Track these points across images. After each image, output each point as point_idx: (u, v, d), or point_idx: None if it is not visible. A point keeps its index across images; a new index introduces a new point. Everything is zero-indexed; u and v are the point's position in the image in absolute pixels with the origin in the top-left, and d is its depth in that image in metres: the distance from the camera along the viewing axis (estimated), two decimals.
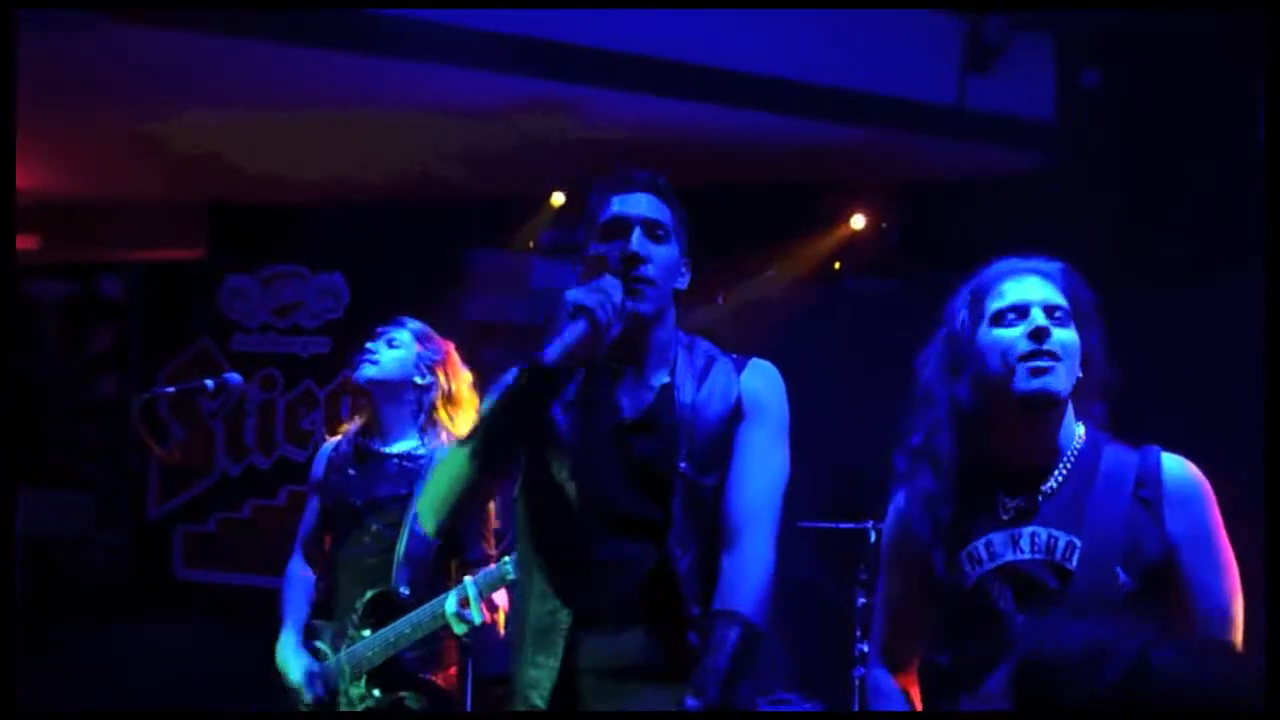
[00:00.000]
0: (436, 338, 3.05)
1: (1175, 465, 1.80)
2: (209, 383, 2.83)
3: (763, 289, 5.20)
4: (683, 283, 2.01)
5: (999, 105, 4.59)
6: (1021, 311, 1.78)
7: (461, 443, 1.92)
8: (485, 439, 1.88)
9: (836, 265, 5.34)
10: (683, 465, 1.90)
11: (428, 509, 1.96)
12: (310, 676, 2.88)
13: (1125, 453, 1.81)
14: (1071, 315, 1.80)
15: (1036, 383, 1.75)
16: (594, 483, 1.91)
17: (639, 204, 1.97)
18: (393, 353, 2.97)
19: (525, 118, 4.56)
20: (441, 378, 2.99)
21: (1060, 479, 1.80)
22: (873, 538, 4.31)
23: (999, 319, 1.79)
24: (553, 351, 1.82)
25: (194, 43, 4.02)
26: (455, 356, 3.05)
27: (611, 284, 1.88)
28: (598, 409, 1.94)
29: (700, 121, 4.56)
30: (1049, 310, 1.78)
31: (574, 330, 1.83)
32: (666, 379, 1.96)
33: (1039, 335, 1.75)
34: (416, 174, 5.30)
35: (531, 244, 5.36)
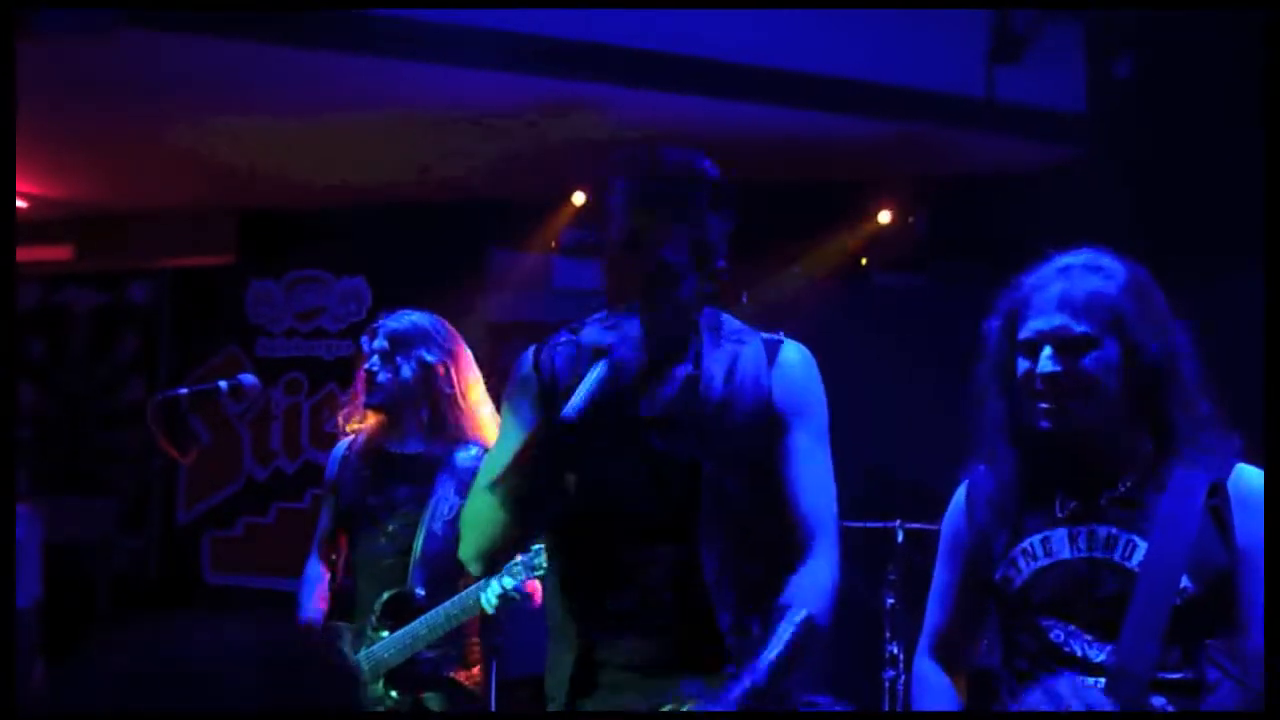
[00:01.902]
0: (444, 332, 2.97)
1: (1248, 474, 1.74)
2: (223, 384, 2.81)
3: (789, 285, 5.16)
4: (713, 256, 1.90)
5: (1028, 97, 4.52)
6: (1036, 347, 1.73)
7: (491, 491, 1.86)
8: (514, 496, 1.83)
9: (864, 261, 5.29)
10: (707, 466, 1.84)
11: (470, 558, 1.93)
12: None
13: (1202, 459, 1.74)
14: (1103, 333, 1.71)
15: (1045, 424, 1.72)
16: (614, 483, 1.86)
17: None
18: (394, 378, 2.91)
19: (548, 118, 4.55)
20: (453, 374, 2.95)
21: (1127, 484, 1.75)
22: (901, 537, 4.25)
23: (1024, 349, 1.75)
24: (575, 406, 1.75)
25: (217, 50, 4.03)
26: (464, 349, 2.99)
27: (629, 321, 1.82)
28: (616, 402, 1.85)
29: (724, 118, 4.52)
30: (1062, 344, 1.71)
31: (595, 377, 1.77)
32: (691, 369, 1.88)
33: (1044, 380, 1.71)
34: (438, 176, 5.29)
35: (553, 244, 5.34)
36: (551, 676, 1.90)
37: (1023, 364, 1.75)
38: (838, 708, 4.61)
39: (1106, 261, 1.77)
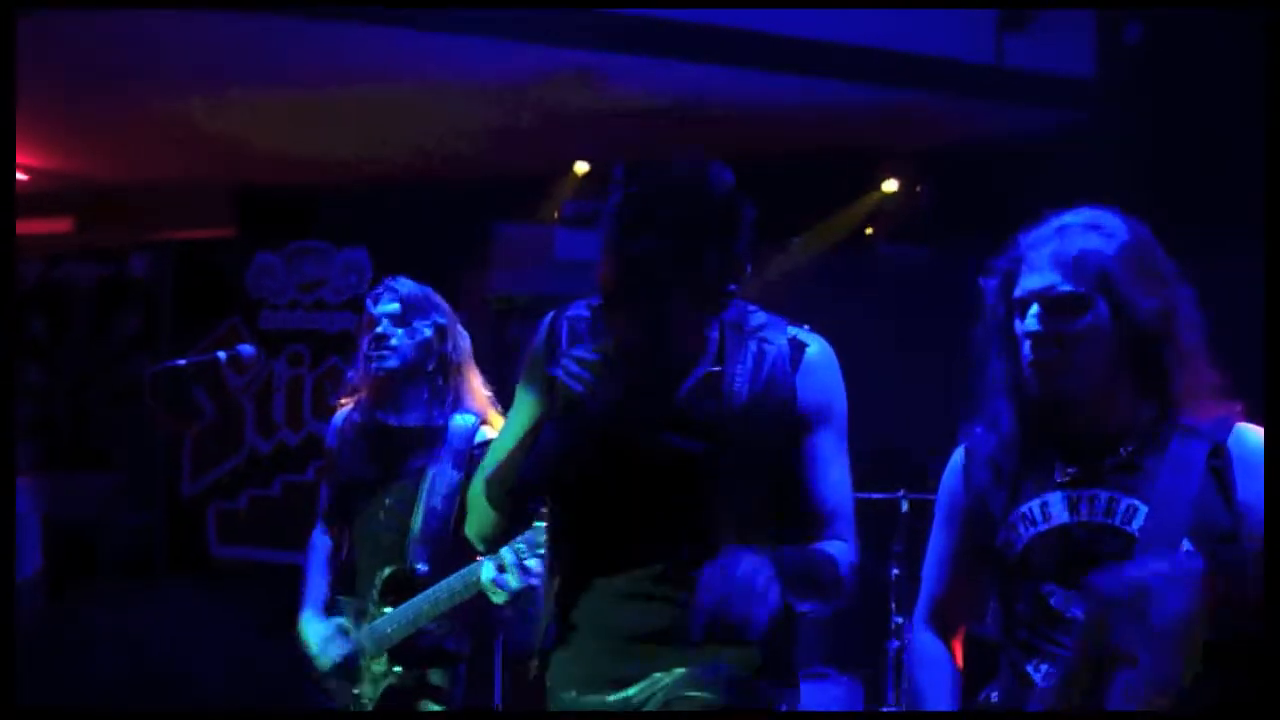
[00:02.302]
0: (434, 301, 2.92)
1: (1249, 434, 1.71)
2: (221, 354, 2.78)
3: (795, 256, 5.12)
4: (735, 244, 1.84)
5: (1037, 63, 4.47)
6: (1026, 306, 1.71)
7: (489, 480, 1.87)
8: (506, 489, 1.84)
9: (869, 231, 5.25)
10: (724, 465, 1.80)
11: (472, 537, 1.96)
12: (326, 642, 2.85)
13: (1202, 424, 1.71)
14: (1094, 292, 1.68)
15: (1032, 385, 1.71)
16: (624, 479, 1.82)
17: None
18: (410, 341, 2.87)
19: (549, 88, 4.50)
20: (448, 345, 2.91)
21: (1128, 450, 1.72)
22: (905, 507, 4.24)
23: (1018, 308, 1.73)
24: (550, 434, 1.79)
25: (218, 22, 4.00)
26: (454, 318, 2.94)
27: (594, 356, 1.77)
28: (631, 395, 1.81)
29: (728, 87, 4.48)
30: (1051, 303, 1.69)
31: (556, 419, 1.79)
32: (712, 367, 1.84)
33: (1031, 339, 1.70)
34: (440, 149, 5.25)
35: (556, 215, 5.30)
36: (552, 667, 1.89)
37: (1017, 324, 1.72)
38: (843, 679, 4.62)
39: (1107, 219, 1.73)
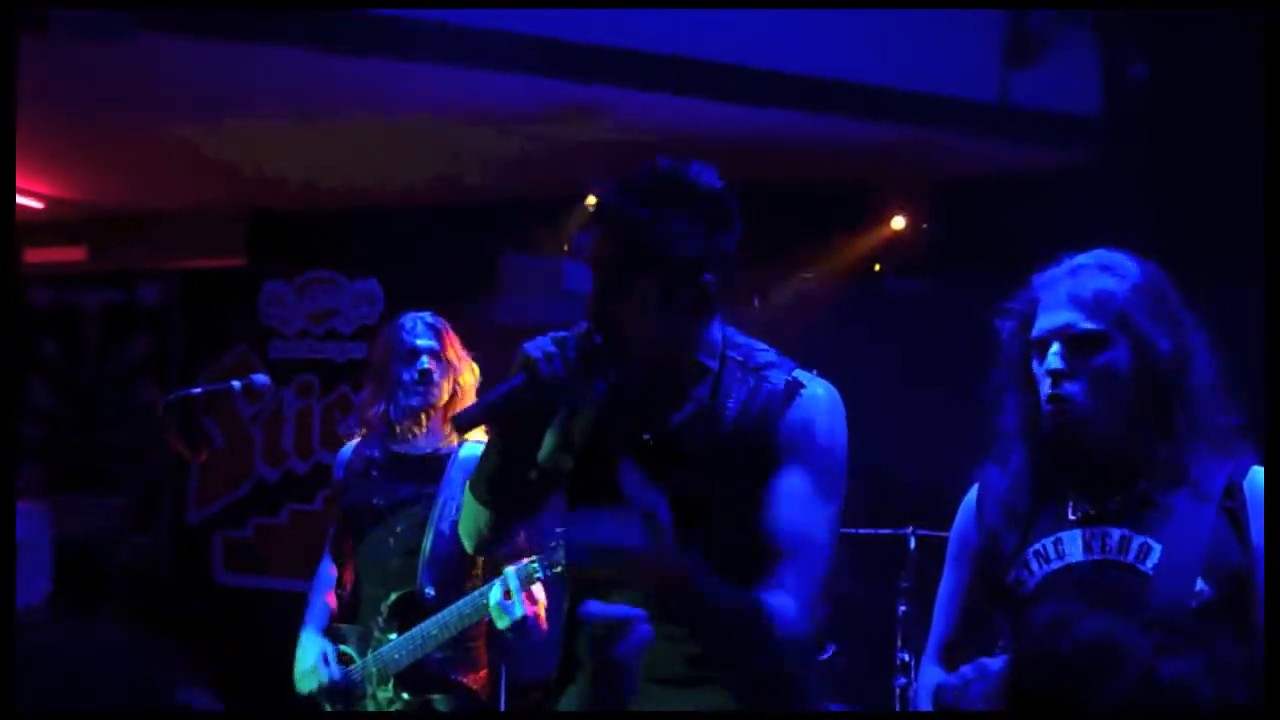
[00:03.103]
0: (441, 329, 2.98)
1: (1264, 475, 1.71)
2: (235, 384, 2.81)
3: (801, 290, 5.14)
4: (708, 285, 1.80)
5: (1042, 100, 4.50)
6: (1045, 345, 1.72)
7: (473, 487, 1.86)
8: (489, 494, 1.83)
9: (877, 266, 5.26)
10: (709, 502, 1.75)
11: (466, 538, 1.92)
12: (324, 659, 2.85)
13: (1217, 463, 1.71)
14: (1113, 330, 1.69)
15: (1053, 423, 1.71)
16: (602, 507, 1.77)
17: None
18: (448, 377, 2.92)
19: (560, 121, 4.54)
20: (451, 375, 2.95)
21: (1142, 488, 1.72)
22: (913, 544, 4.23)
23: (1036, 348, 1.74)
24: (472, 409, 1.80)
25: (231, 52, 4.04)
26: (458, 343, 2.99)
27: (572, 339, 1.72)
28: (623, 423, 1.79)
29: (735, 122, 4.51)
30: (1071, 341, 1.69)
31: (508, 385, 1.72)
32: (705, 398, 1.78)
33: (1052, 378, 1.70)
34: (451, 179, 5.29)
35: (565, 247, 5.33)
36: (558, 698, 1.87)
37: (1035, 364, 1.73)
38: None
39: (1119, 260, 1.75)
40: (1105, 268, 1.73)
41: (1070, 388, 1.69)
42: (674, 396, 1.80)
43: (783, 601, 1.67)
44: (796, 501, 1.72)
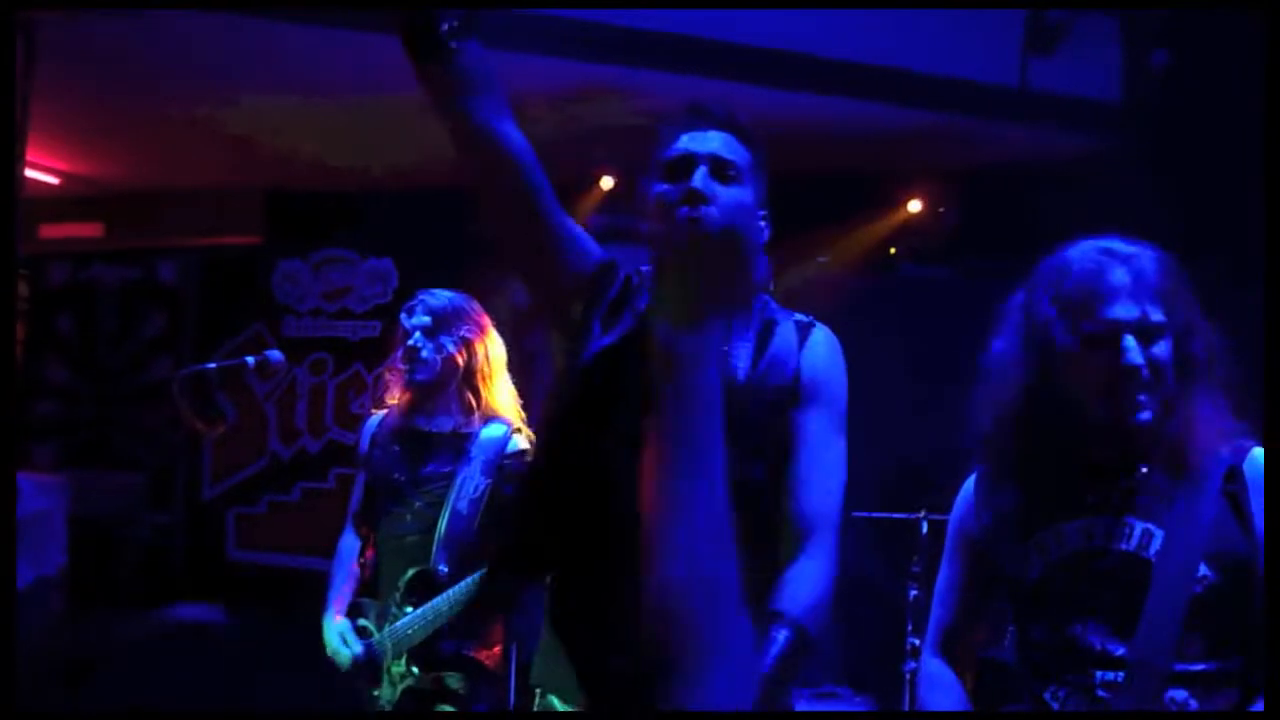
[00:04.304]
0: (466, 309, 2.99)
1: (1264, 457, 1.70)
2: (250, 360, 2.81)
3: (818, 274, 5.13)
4: (760, 235, 1.83)
5: (1062, 86, 4.47)
6: (1114, 337, 1.67)
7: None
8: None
9: (893, 251, 5.25)
10: (730, 452, 1.79)
11: None
12: (343, 641, 2.88)
13: (1217, 447, 1.70)
14: (1169, 323, 1.68)
15: (1146, 416, 1.66)
16: (628, 465, 1.81)
17: (710, 141, 1.80)
18: (438, 356, 2.93)
19: (580, 103, 4.53)
20: (490, 352, 2.97)
21: (1143, 475, 1.71)
22: (925, 528, 4.23)
23: (1093, 342, 1.68)
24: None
25: (244, 28, 4.04)
26: (493, 328, 3.00)
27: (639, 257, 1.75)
28: (637, 376, 1.81)
29: (755, 105, 4.47)
30: (1142, 332, 1.67)
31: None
32: (719, 345, 1.84)
33: (1138, 370, 1.66)
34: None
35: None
36: (546, 666, 1.87)
37: (1095, 355, 1.68)
38: (858, 700, 4.60)
39: (1146, 248, 1.73)
40: (1157, 257, 1.71)
41: (1148, 379, 1.66)
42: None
43: (809, 575, 1.72)
44: (820, 448, 1.77)
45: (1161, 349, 1.68)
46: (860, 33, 4.31)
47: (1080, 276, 1.71)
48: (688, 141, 1.81)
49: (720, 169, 1.79)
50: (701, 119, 1.83)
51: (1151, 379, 1.67)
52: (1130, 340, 1.67)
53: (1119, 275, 1.69)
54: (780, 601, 1.71)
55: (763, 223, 1.84)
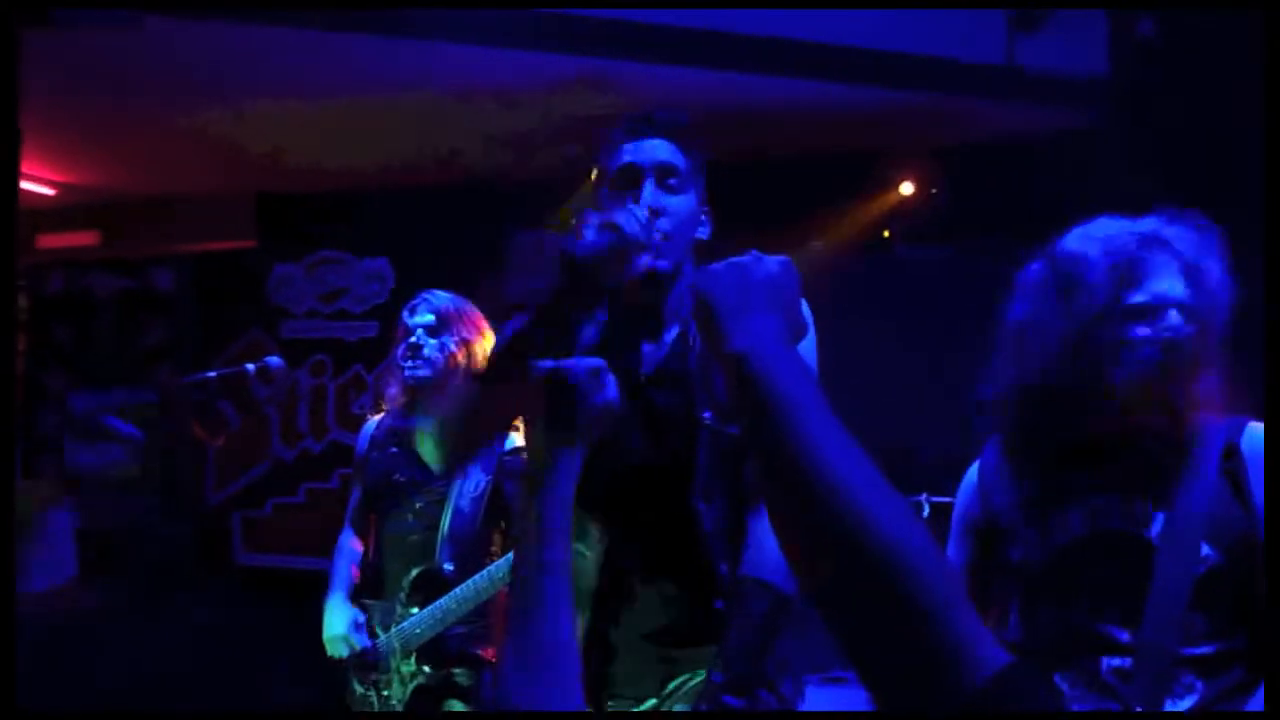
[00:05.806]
0: (467, 311, 3.01)
1: (1261, 432, 1.69)
2: (250, 367, 2.83)
3: (811, 257, 5.13)
4: (704, 233, 1.92)
5: (1050, 62, 4.47)
6: (1154, 311, 1.67)
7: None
8: None
9: (886, 233, 5.25)
10: (706, 415, 1.81)
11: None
12: (355, 626, 2.90)
13: (1215, 425, 1.70)
14: (1201, 303, 1.69)
15: (1147, 389, 1.66)
16: (614, 439, 1.83)
17: (652, 150, 1.89)
18: (441, 354, 2.95)
19: (565, 95, 4.53)
20: (479, 354, 2.98)
21: (1143, 454, 1.70)
22: (926, 510, 4.24)
23: (1136, 314, 1.67)
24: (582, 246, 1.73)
25: (238, 34, 4.04)
26: (486, 328, 3.02)
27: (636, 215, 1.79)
28: (614, 367, 1.85)
29: (743, 91, 4.49)
30: (1184, 310, 1.67)
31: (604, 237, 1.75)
32: (679, 328, 1.89)
33: (1174, 348, 1.66)
34: (458, 157, 5.29)
35: (572, 222, 5.32)
36: None
37: (1136, 328, 1.67)
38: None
39: (1191, 223, 1.73)
40: (1201, 232, 1.72)
41: (1190, 354, 1.67)
42: (651, 340, 1.90)
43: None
44: None
45: (1194, 326, 1.68)
46: (843, 15, 4.31)
47: (1126, 249, 1.70)
48: (632, 152, 1.89)
49: (664, 178, 1.88)
50: (644, 127, 1.90)
51: (1191, 355, 1.67)
52: (1174, 315, 1.67)
53: (1168, 253, 1.70)
54: (752, 566, 1.76)
55: (705, 219, 1.94)
